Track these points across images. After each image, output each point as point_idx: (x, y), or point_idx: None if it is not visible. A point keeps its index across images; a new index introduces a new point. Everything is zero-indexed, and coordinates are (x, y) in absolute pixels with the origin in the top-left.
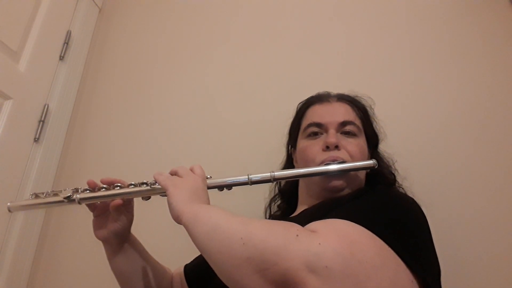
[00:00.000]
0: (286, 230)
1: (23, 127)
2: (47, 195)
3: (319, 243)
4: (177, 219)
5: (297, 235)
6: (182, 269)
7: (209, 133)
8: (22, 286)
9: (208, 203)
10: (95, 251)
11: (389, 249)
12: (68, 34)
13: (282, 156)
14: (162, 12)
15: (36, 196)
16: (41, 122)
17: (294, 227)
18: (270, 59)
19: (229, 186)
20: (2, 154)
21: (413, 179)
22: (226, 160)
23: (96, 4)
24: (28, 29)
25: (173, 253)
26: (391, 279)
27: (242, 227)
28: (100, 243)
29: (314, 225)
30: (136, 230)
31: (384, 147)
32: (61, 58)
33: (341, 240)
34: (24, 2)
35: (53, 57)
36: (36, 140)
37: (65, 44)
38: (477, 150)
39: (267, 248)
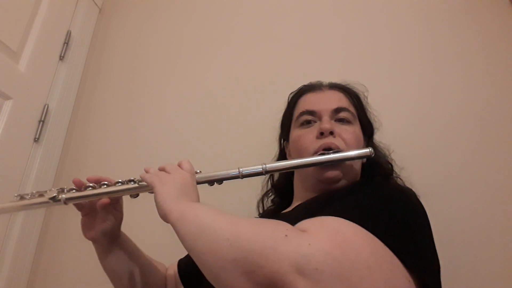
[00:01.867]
0: (274, 230)
1: (23, 127)
2: (32, 196)
3: (309, 244)
4: (165, 218)
5: (286, 235)
6: (176, 264)
7: (209, 131)
8: (21, 286)
9: (198, 199)
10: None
11: (385, 247)
12: (68, 34)
13: (275, 151)
14: (162, 12)
15: (21, 197)
16: (41, 122)
17: (283, 226)
18: (267, 56)
19: (220, 181)
20: (2, 154)
21: (411, 170)
22: (220, 157)
23: (96, 4)
24: (28, 29)
25: (167, 248)
26: (386, 280)
27: (229, 226)
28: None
29: (305, 223)
30: (128, 226)
31: (380, 138)
32: (61, 58)
33: (332, 240)
34: (24, 2)
35: (53, 57)
36: (36, 140)
37: (65, 44)
38: (476, 141)
39: (253, 249)
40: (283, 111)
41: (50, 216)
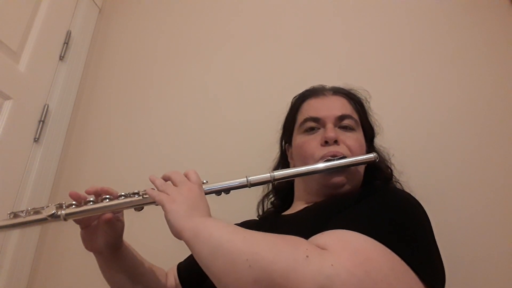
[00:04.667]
0: (295, 249)
1: (23, 127)
2: (27, 213)
3: (332, 264)
4: (178, 236)
5: (307, 256)
6: (175, 268)
7: (208, 131)
8: None
9: (208, 212)
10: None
11: (402, 262)
12: (68, 34)
13: (275, 152)
14: (162, 12)
15: (15, 215)
16: (41, 122)
17: (302, 245)
18: (268, 57)
19: (227, 190)
20: (2, 154)
21: (410, 174)
22: (221, 157)
23: (96, 4)
24: (28, 29)
25: (167, 252)
26: None
27: (246, 246)
28: None
29: (323, 238)
30: (129, 232)
31: (380, 142)
32: (61, 58)
33: (354, 259)
34: (24, 2)
35: (53, 57)
36: (36, 140)
37: (65, 44)
38: (475, 144)
39: (275, 271)
40: (284, 112)
41: (48, 225)
